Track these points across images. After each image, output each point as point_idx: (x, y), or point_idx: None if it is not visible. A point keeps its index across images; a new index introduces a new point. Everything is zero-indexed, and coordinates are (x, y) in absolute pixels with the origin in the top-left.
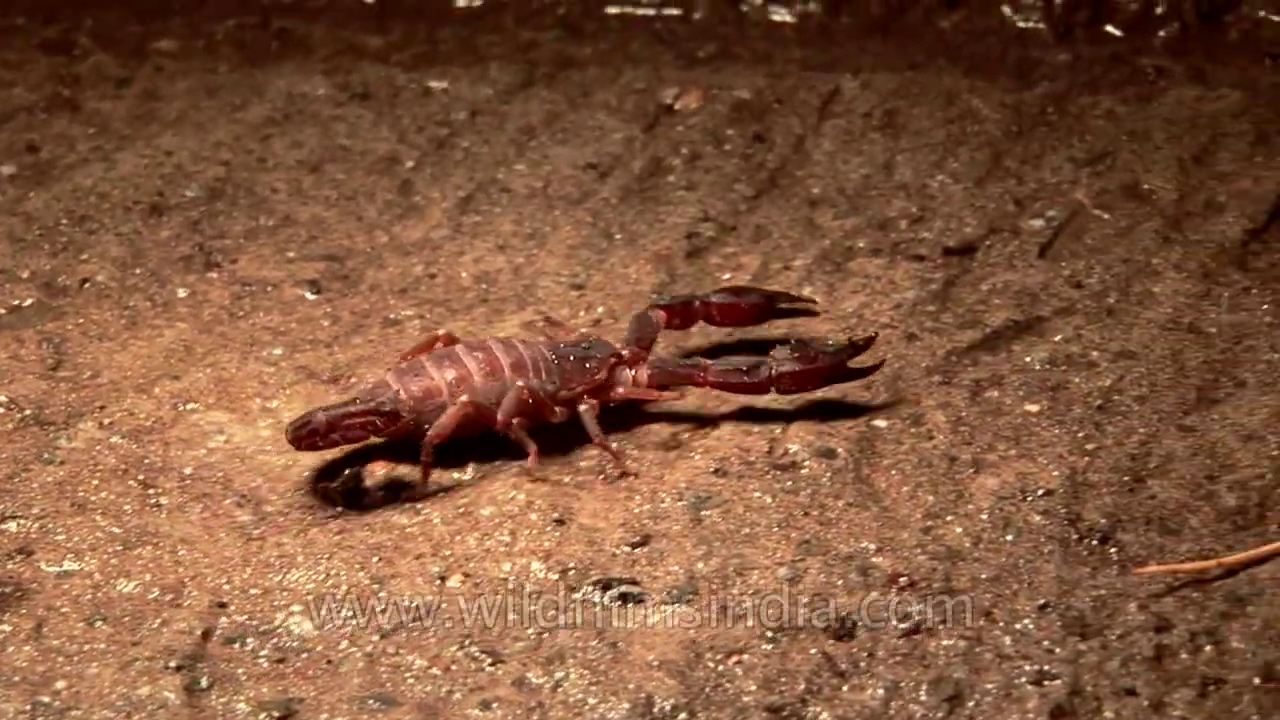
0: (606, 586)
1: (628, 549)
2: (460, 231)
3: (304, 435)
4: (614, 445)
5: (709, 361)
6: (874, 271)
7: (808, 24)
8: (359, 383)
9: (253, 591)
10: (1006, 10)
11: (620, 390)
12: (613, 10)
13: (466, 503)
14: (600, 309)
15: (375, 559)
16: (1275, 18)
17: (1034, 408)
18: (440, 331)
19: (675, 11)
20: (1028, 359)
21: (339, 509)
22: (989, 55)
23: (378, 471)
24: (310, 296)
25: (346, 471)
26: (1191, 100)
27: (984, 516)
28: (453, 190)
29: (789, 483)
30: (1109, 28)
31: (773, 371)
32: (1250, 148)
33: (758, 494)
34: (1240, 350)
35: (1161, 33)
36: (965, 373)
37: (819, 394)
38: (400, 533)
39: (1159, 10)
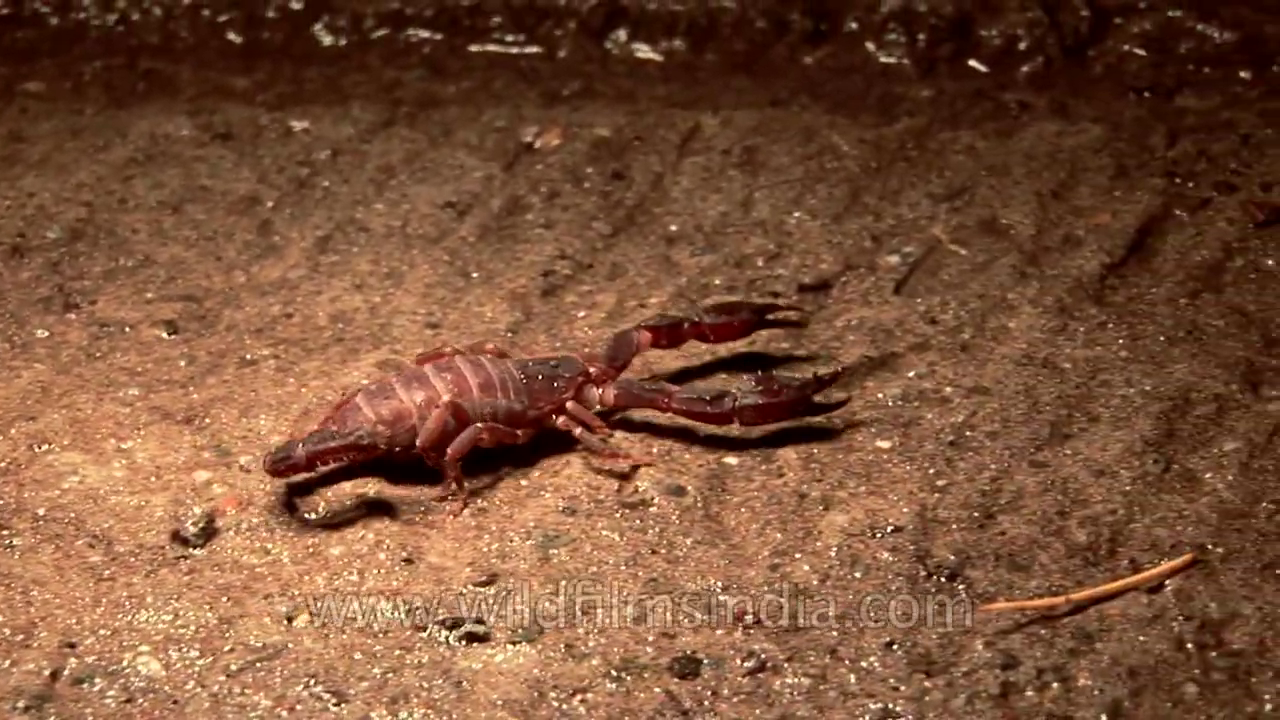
0: (453, 625)
1: (475, 588)
2: (318, 271)
3: (283, 469)
4: (598, 443)
5: (674, 387)
6: None
7: (672, 61)
8: (213, 423)
9: (102, 632)
10: (870, 46)
11: (571, 406)
12: (477, 48)
13: (316, 542)
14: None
15: (224, 599)
16: (1140, 52)
17: (886, 444)
18: (446, 349)
19: (539, 49)
20: (881, 395)
21: (191, 549)
22: (852, 91)
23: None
24: (167, 337)
25: (197, 511)
26: (1052, 135)
27: (832, 554)
28: (311, 230)
29: (638, 521)
30: (973, 63)
31: (736, 404)
32: (1110, 182)
33: (606, 532)
34: (1095, 385)
35: (1025, 67)
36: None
37: (669, 431)
38: (250, 573)
39: (1023, 45)
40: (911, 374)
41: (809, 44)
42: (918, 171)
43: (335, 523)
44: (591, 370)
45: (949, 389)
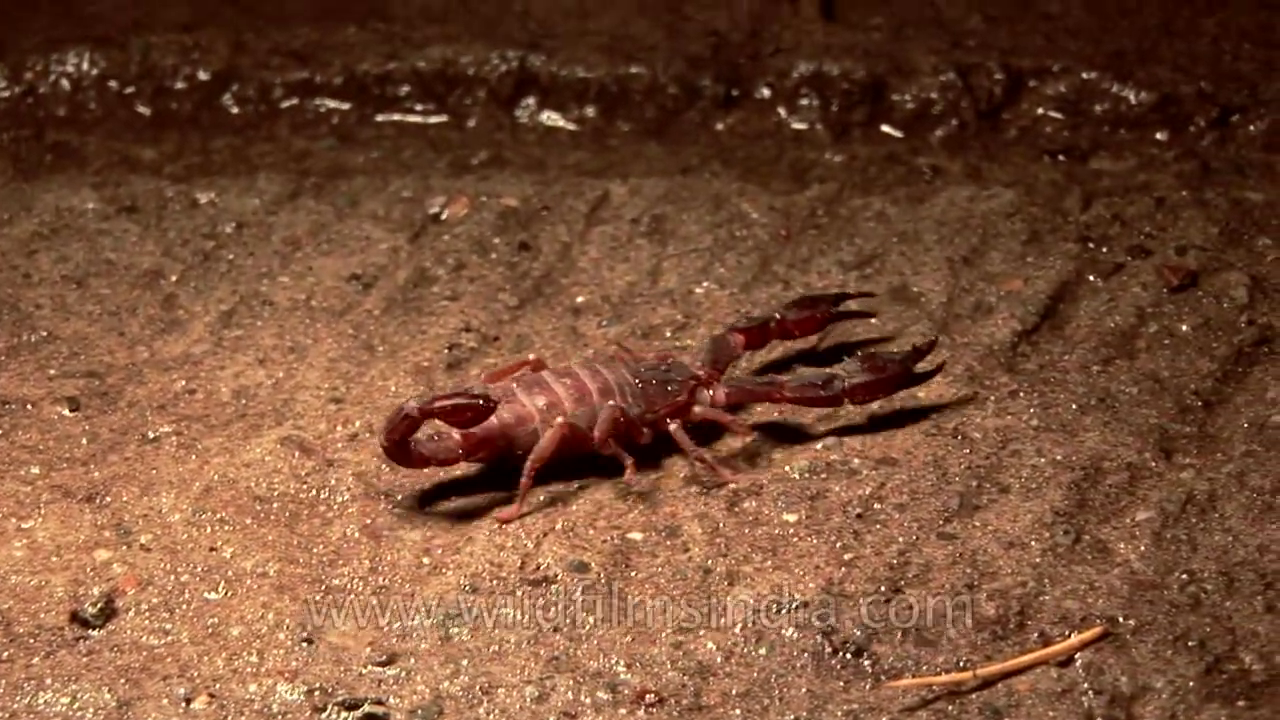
0: (352, 707)
1: (375, 668)
2: (221, 346)
3: (399, 423)
4: (708, 455)
5: (783, 378)
6: None
7: (584, 129)
8: (114, 501)
9: (0, 715)
10: (782, 111)
11: (698, 410)
12: (385, 118)
13: (215, 622)
14: (358, 422)
15: (122, 681)
16: (1055, 114)
17: (792, 517)
18: (530, 357)
19: (448, 118)
20: (788, 467)
21: (90, 630)
22: (764, 157)
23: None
24: (69, 414)
25: (96, 591)
26: (964, 200)
27: (737, 630)
28: (215, 304)
29: (540, 598)
30: (886, 127)
31: (845, 384)
32: (1022, 247)
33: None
34: (1005, 455)
35: (939, 131)
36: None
37: (574, 505)
38: (149, 653)
39: (937, 109)
40: (819, 445)
41: (721, 110)
42: (828, 239)
43: (236, 602)
44: (701, 373)
45: (857, 460)
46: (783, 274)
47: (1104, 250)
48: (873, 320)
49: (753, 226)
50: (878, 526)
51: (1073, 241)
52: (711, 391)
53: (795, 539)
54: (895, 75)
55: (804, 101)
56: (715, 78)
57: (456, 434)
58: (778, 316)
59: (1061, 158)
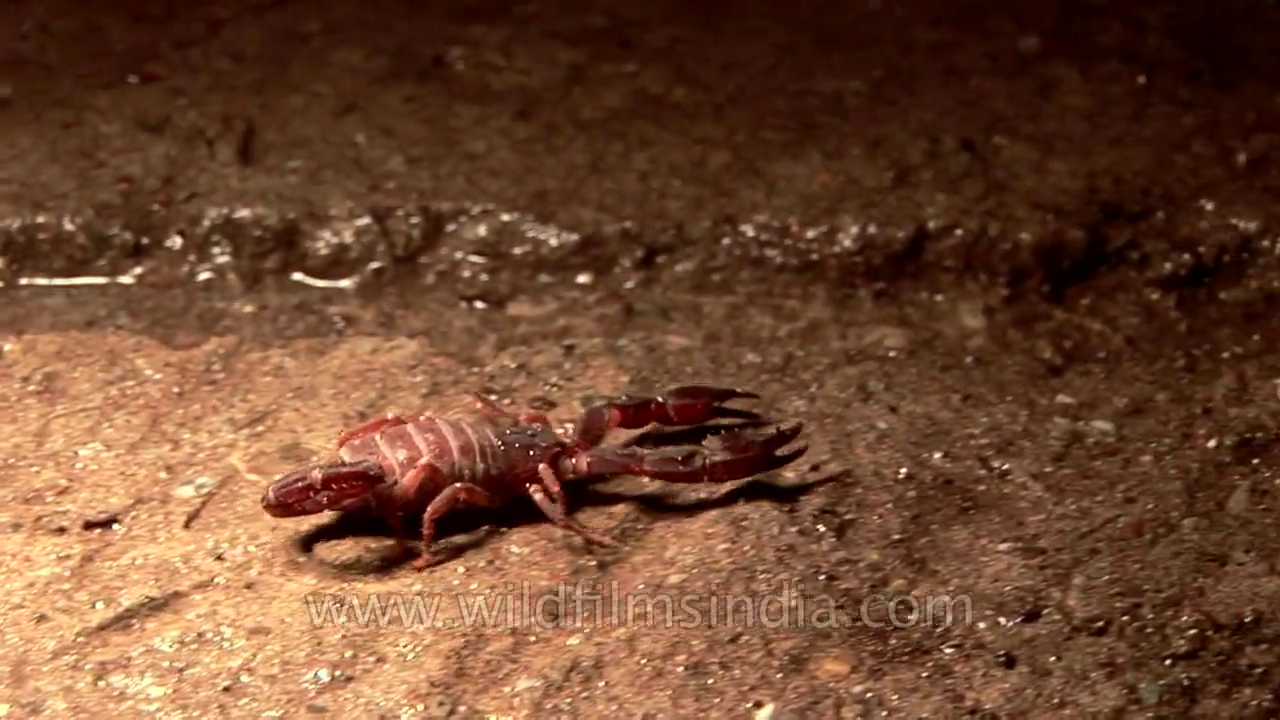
0: None
1: None
2: None
3: (292, 493)
4: (574, 522)
5: (644, 451)
6: (12, 548)
7: None
8: None
9: None
10: (193, 260)
11: (543, 469)
12: None
13: None
14: None
15: None
16: (474, 258)
17: (159, 691)
18: (389, 415)
19: None
20: (158, 639)
21: None
22: (172, 308)
23: None
24: None
25: None
26: (365, 353)
27: None
28: None
29: None
30: (299, 275)
31: (706, 461)
32: (422, 400)
33: None
34: (385, 622)
35: (355, 278)
36: (94, 655)
37: None
38: None
39: (352, 254)
40: (192, 615)
41: (131, 259)
42: (222, 395)
43: None
44: (566, 441)
45: (229, 630)
46: (172, 433)
47: (507, 402)
48: (757, 413)
49: (146, 384)
50: (245, 700)
51: (473, 394)
52: (574, 460)
53: (159, 715)
54: (309, 220)
55: (215, 249)
56: (124, 226)
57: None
58: (659, 400)
59: (480, 304)
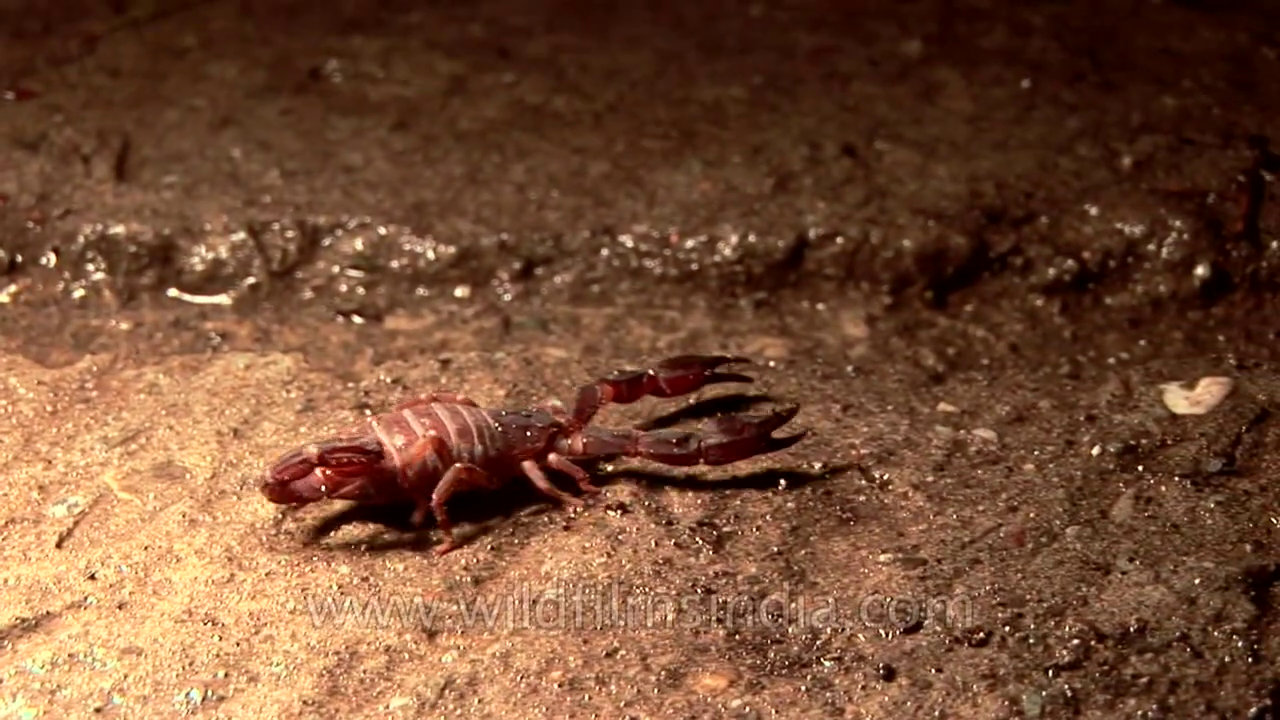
0: None
1: None
2: None
3: (292, 464)
4: (564, 495)
5: (640, 432)
6: None
7: None
8: None
9: None
10: (68, 277)
11: (553, 458)
12: None
13: None
14: None
15: None
16: (351, 272)
17: (30, 713)
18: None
19: None
20: (30, 661)
21: None
22: (47, 326)
23: None
24: None
25: None
26: (240, 369)
27: None
28: None
29: None
30: (175, 291)
31: (702, 444)
32: (296, 417)
33: None
34: (258, 641)
35: (231, 293)
36: None
37: None
38: None
39: (228, 269)
40: (65, 635)
41: (5, 277)
42: (95, 414)
43: None
44: (561, 421)
45: (100, 650)
46: (45, 452)
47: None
48: (750, 376)
49: (19, 402)
50: None
51: (349, 409)
52: (570, 441)
53: None
54: (185, 236)
55: (90, 266)
56: None
57: (320, 471)
58: (650, 373)
59: (357, 318)
